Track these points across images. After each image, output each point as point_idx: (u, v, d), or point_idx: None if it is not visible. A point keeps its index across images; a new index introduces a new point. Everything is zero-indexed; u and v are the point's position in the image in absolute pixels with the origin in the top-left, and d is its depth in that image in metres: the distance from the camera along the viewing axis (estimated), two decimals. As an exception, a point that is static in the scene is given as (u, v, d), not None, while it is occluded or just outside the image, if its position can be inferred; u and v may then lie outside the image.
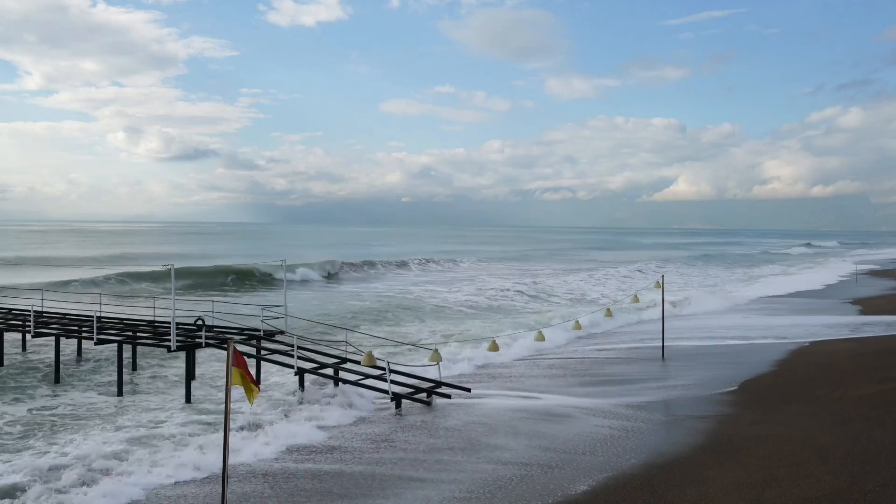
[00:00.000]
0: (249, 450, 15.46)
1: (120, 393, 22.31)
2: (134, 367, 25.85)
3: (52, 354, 24.58)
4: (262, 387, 23.51)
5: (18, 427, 18.01)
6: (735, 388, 20.62)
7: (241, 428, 16.85)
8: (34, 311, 26.11)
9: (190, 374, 22.30)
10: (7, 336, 26.92)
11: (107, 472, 13.91)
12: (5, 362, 26.06)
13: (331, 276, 69.79)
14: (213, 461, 14.26)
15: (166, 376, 24.87)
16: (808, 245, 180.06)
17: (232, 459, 13.38)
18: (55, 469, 14.02)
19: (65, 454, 15.02)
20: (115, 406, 20.67)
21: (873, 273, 76.40)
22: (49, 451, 15.48)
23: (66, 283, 49.00)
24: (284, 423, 17.75)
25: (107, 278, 55.40)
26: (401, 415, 19.14)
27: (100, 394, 22.26)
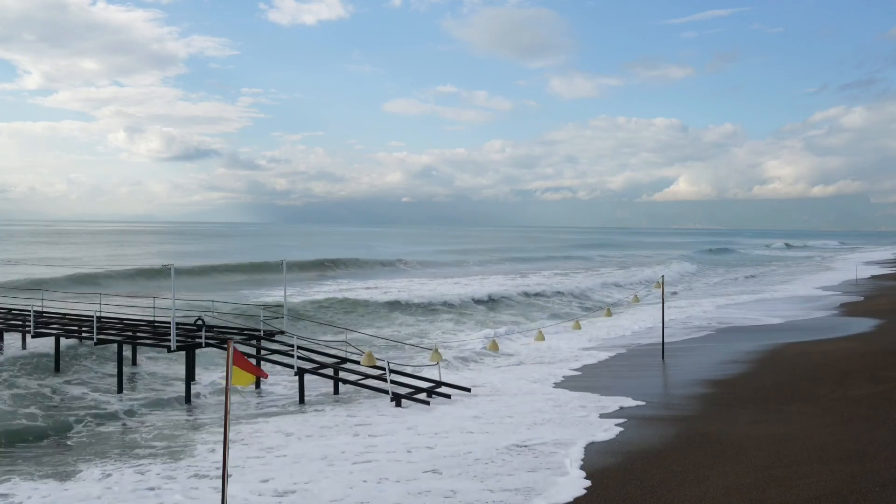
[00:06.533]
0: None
1: (120, 390, 22.47)
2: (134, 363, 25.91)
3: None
4: (268, 388, 23.56)
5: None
6: (735, 387, 20.62)
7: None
8: (34, 311, 26.11)
9: (190, 375, 22.35)
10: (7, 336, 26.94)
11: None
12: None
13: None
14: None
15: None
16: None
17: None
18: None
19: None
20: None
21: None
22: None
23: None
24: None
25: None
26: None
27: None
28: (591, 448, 14.85)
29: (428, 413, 19.11)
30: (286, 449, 15.85)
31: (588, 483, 12.63)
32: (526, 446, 15.21)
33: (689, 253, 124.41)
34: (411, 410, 19.53)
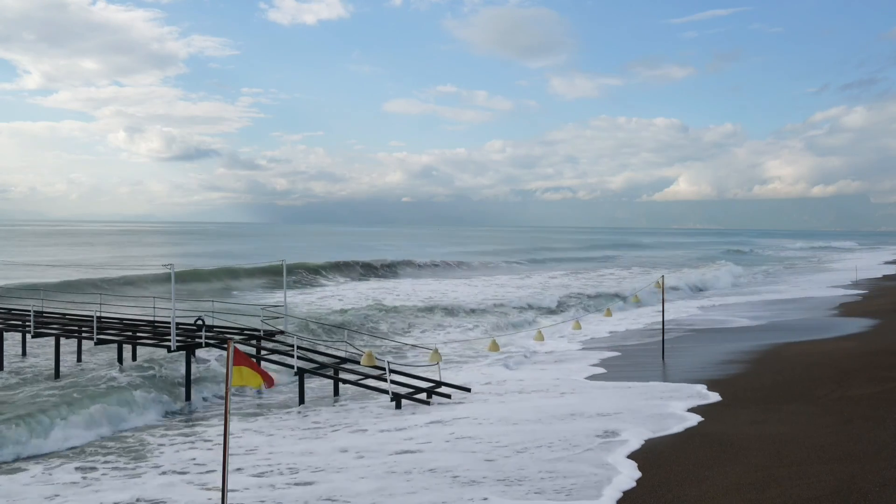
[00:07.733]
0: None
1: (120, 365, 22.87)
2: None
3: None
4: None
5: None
6: (735, 387, 20.60)
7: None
8: (34, 311, 26.12)
9: (189, 374, 22.35)
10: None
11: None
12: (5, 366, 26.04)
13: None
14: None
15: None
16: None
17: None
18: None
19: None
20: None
21: None
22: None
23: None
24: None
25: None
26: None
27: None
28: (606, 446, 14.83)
29: (436, 412, 19.11)
30: (294, 446, 15.90)
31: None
32: (558, 441, 15.16)
33: (713, 253, 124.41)
34: (423, 408, 19.57)
